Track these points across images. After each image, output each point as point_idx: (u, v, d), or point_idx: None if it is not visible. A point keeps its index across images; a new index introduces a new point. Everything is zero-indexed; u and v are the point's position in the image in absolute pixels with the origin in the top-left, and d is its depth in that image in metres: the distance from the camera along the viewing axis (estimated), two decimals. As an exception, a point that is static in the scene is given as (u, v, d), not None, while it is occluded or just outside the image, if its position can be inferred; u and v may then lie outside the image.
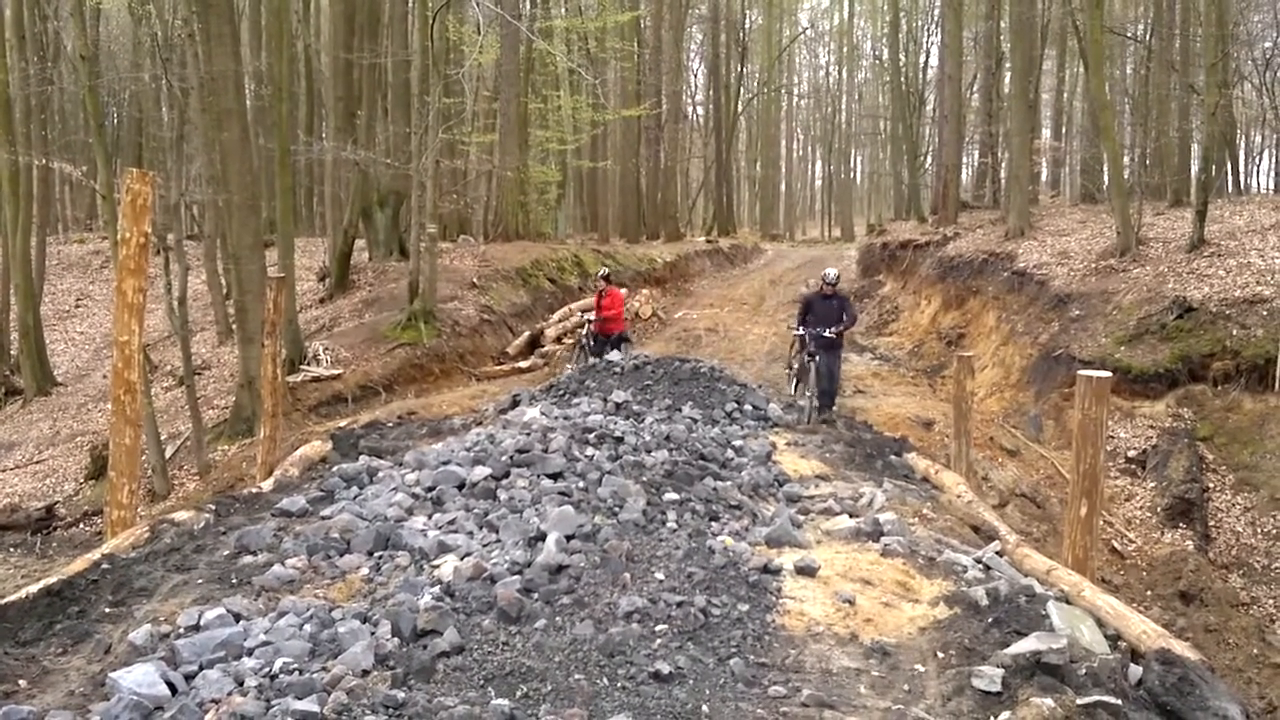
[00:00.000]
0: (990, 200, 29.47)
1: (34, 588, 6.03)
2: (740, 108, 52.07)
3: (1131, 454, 13.93)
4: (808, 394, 12.18)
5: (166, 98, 21.56)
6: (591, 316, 15.25)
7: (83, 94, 19.48)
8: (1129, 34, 32.29)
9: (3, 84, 21.35)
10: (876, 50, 58.47)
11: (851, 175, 69.11)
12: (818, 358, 12.23)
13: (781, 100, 64.07)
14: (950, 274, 22.10)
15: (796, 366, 13.33)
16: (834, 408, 12.57)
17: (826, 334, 12.20)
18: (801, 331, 12.72)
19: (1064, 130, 37.68)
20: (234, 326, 18.85)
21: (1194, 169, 22.39)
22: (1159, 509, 13.03)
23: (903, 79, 39.27)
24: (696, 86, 57.67)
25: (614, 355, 13.89)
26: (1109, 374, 7.23)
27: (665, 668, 4.67)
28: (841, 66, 65.67)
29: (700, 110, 56.55)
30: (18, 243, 21.76)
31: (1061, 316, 16.64)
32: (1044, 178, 33.68)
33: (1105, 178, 24.63)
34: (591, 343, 15.05)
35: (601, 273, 15.57)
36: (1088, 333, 15.72)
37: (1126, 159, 23.04)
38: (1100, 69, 19.85)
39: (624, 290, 16.98)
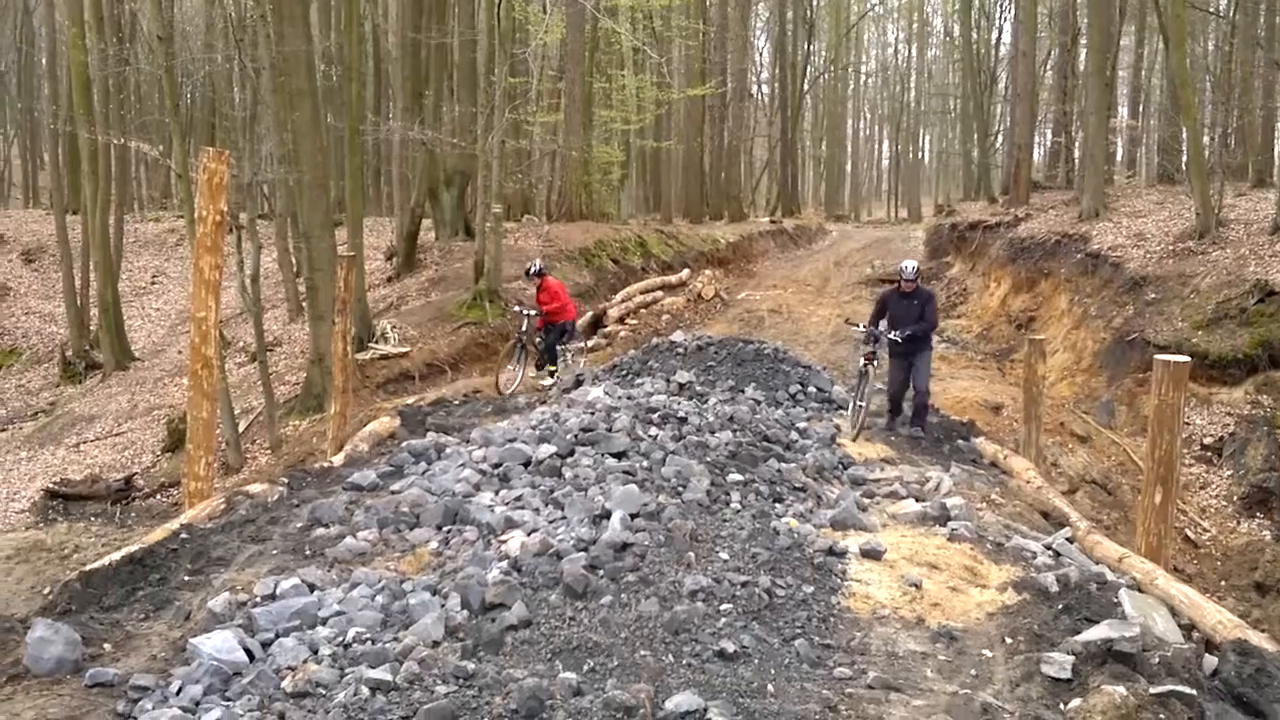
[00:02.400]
0: (1063, 180, 28.75)
1: (116, 555, 6.24)
2: (806, 86, 51.43)
3: (1208, 441, 13.57)
4: (859, 402, 10.30)
5: (239, 78, 21.98)
6: (531, 312, 13.63)
7: (159, 74, 19.93)
8: (1211, 9, 31.21)
9: (82, 65, 21.93)
10: (948, 26, 57.30)
11: (919, 155, 67.94)
12: (875, 361, 10.44)
13: (849, 78, 63.16)
14: (1021, 256, 21.65)
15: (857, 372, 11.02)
16: (922, 426, 10.56)
17: (891, 336, 10.27)
18: (863, 328, 10.74)
19: (1141, 109, 36.59)
20: (304, 304, 19.20)
21: (1278, 148, 21.64)
22: (1235, 498, 12.69)
23: (974, 56, 38.42)
24: (762, 65, 57.12)
25: (576, 365, 13.36)
26: (1187, 359, 7.06)
27: (730, 646, 4.69)
28: (911, 43, 64.52)
29: (765, 89, 56.02)
30: (97, 220, 22.38)
31: (1136, 300, 16.23)
32: (1120, 157, 32.80)
33: (1184, 157, 23.89)
34: (538, 338, 13.76)
35: (534, 268, 13.82)
36: (1163, 317, 15.31)
37: (1207, 138, 22.30)
38: (1182, 45, 19.21)
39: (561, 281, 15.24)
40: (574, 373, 13.15)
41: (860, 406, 10.32)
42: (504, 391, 12.96)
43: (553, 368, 13.59)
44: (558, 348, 13.82)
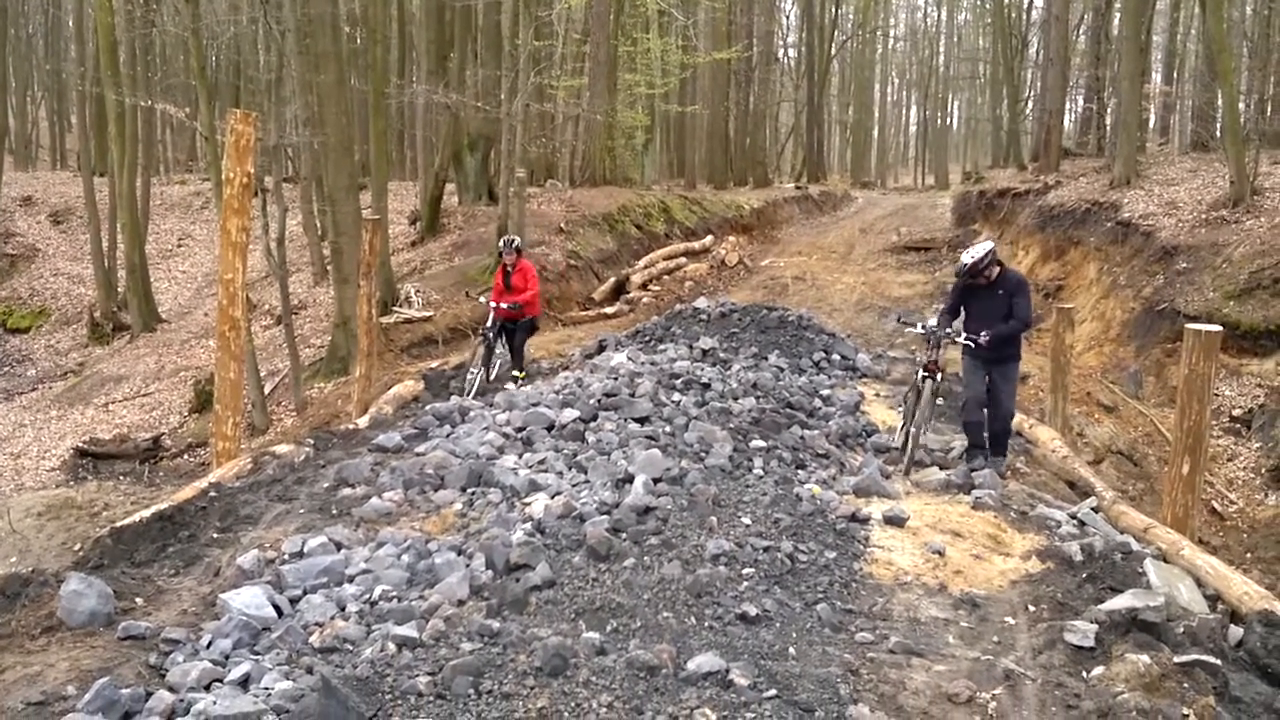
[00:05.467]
0: (1094, 148, 28.33)
1: (147, 512, 6.35)
2: (834, 50, 50.75)
3: (1236, 413, 13.43)
4: (911, 428, 7.91)
5: (264, 40, 21.92)
6: (500, 305, 11.02)
7: (185, 36, 19.92)
8: (1251, -29, 30.48)
9: (109, 27, 21.97)
10: (978, -10, 56.24)
11: (948, 121, 67.00)
12: (939, 376, 7.93)
13: (877, 42, 62.31)
14: (1050, 224, 21.40)
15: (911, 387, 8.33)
16: (1002, 458, 7.98)
17: (963, 340, 7.69)
18: (923, 329, 8.08)
19: (1176, 74, 35.93)
20: (329, 267, 19.29)
21: (1317, 115, 21.22)
22: (1264, 470, 12.56)
23: (1005, 19, 37.79)
24: (789, 28, 56.34)
25: (509, 385, 10.60)
26: (1218, 328, 6.98)
27: (752, 610, 4.72)
28: (941, 6, 63.45)
29: (792, 53, 55.34)
30: (124, 183, 22.52)
31: (1167, 269, 16.02)
32: (1153, 124, 32.24)
33: (1219, 124, 23.46)
34: (490, 335, 11.15)
35: (514, 241, 11.38)
36: (1194, 286, 15.11)
37: (1243, 104, 21.86)
38: (1219, 8, 18.81)
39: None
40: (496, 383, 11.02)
41: (912, 432, 7.88)
42: (466, 394, 10.51)
43: (519, 373, 11.39)
44: (498, 349, 11.46)
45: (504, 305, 11.02)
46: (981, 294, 7.80)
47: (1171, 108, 33.78)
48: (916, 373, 8.07)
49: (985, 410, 7.85)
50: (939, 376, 7.89)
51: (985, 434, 7.90)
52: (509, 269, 11.25)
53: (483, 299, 11.40)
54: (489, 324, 11.17)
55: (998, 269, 7.75)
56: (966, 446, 8.00)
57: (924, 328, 8.04)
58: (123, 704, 3.89)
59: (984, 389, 7.82)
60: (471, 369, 11.13)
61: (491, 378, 11.20)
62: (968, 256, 7.75)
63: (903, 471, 7.73)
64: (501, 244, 11.64)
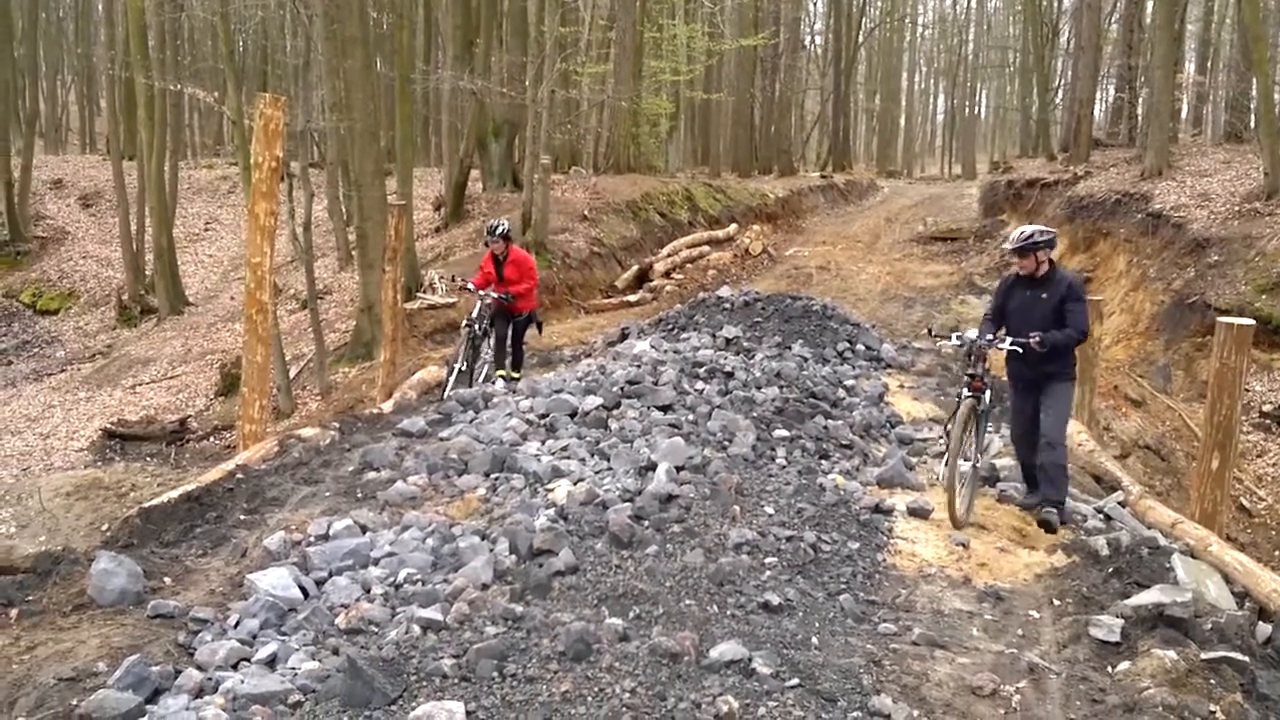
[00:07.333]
0: (1125, 138, 28.00)
1: (175, 494, 6.40)
2: (861, 37, 50.36)
3: (1267, 408, 13.27)
4: (964, 460, 6.43)
5: (291, 25, 22.01)
6: (493, 295, 10.04)
7: (214, 21, 20.03)
8: (1288, -41, 29.95)
9: (139, 11, 22.10)
10: (1008, -23, 55.65)
11: (976, 110, 66.35)
12: (986, 392, 6.56)
13: (905, 30, 61.81)
14: (1079, 214, 21.19)
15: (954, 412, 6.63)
16: (1060, 503, 6.34)
17: (1008, 345, 6.35)
18: (957, 340, 6.73)
19: (1209, 64, 35.42)
20: (354, 253, 19.36)
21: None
22: (1293, 467, 12.43)
23: (1037, 7, 37.37)
24: (816, 15, 55.97)
25: (497, 383, 9.78)
26: (1250, 321, 6.90)
27: (775, 599, 4.71)
28: (970, -5, 62.86)
29: (819, 40, 54.99)
30: (153, 167, 22.69)
31: (1198, 262, 15.82)
32: (1185, 115, 31.82)
33: (1254, 115, 23.12)
34: (484, 326, 10.29)
35: (498, 228, 9.98)
36: (1226, 279, 14.92)
37: (1278, 95, 21.54)
38: (1255, -3, 18.54)
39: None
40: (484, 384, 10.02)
41: (968, 465, 6.51)
42: (445, 395, 9.58)
43: (516, 374, 10.39)
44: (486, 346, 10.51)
45: (491, 296, 10.00)
46: (1027, 295, 6.50)
47: (1205, 98, 33.33)
48: (960, 393, 6.67)
49: (1032, 440, 6.55)
50: (987, 394, 6.55)
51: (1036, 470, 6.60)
52: (499, 258, 10.10)
53: (470, 287, 10.35)
54: (475, 314, 10.20)
55: (1049, 265, 6.44)
56: (1027, 491, 6.77)
57: (959, 339, 6.67)
58: (152, 681, 3.94)
59: (1032, 415, 6.52)
60: (451, 365, 10.23)
61: (475, 380, 10.24)
62: (1022, 229, 6.48)
63: (961, 511, 6.27)
64: (486, 231, 10.33)
